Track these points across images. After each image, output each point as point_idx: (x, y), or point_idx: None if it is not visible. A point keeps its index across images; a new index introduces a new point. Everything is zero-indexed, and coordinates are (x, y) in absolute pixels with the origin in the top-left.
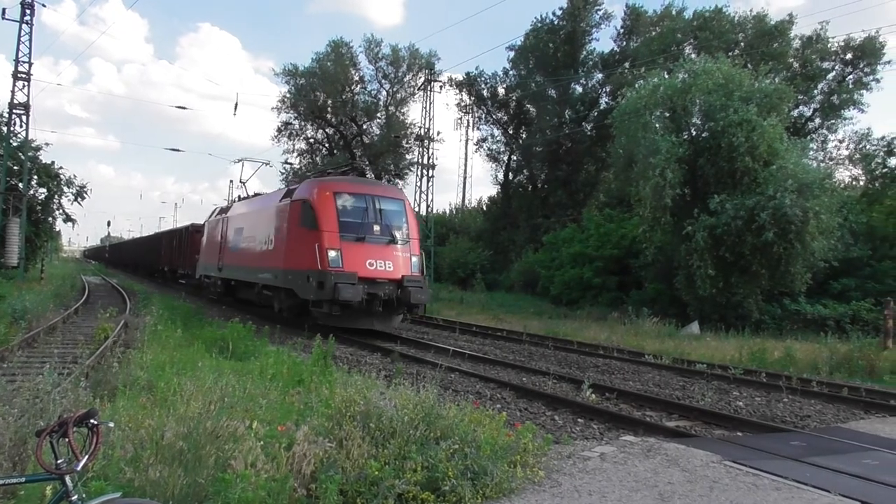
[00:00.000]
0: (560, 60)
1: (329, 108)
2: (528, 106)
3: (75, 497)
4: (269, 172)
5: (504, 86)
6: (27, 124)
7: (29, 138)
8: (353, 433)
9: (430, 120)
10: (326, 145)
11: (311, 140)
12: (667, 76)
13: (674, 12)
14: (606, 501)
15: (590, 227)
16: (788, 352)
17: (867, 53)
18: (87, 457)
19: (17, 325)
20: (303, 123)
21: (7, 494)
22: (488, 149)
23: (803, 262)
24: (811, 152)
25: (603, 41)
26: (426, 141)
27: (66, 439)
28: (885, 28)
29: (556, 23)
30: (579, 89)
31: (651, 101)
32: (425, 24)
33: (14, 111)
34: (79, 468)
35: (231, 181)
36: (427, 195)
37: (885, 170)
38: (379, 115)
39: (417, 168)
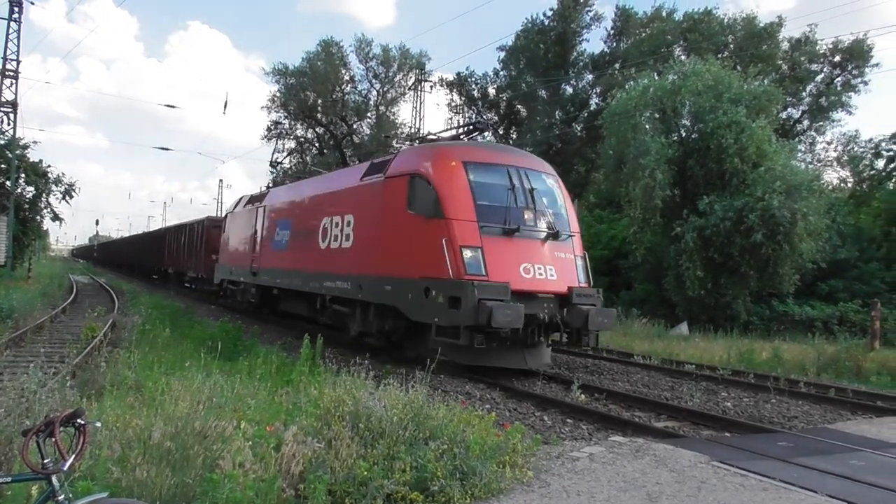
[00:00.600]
0: (550, 61)
1: (319, 108)
2: (519, 106)
3: (62, 497)
4: (260, 171)
5: (495, 86)
6: (15, 122)
7: (17, 136)
8: (341, 433)
9: (420, 120)
10: (316, 145)
11: (302, 139)
12: (657, 78)
13: (664, 14)
14: (595, 502)
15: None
16: (776, 353)
17: (855, 56)
18: (73, 456)
19: (3, 324)
20: (293, 123)
21: None
22: None
23: (791, 264)
24: (799, 154)
25: (593, 42)
26: (417, 141)
27: (53, 439)
28: (873, 31)
29: (546, 23)
30: (570, 90)
31: (641, 102)
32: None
33: (1, 109)
34: (65, 468)
35: (221, 180)
36: None
37: (872, 172)
38: (369, 114)
39: None
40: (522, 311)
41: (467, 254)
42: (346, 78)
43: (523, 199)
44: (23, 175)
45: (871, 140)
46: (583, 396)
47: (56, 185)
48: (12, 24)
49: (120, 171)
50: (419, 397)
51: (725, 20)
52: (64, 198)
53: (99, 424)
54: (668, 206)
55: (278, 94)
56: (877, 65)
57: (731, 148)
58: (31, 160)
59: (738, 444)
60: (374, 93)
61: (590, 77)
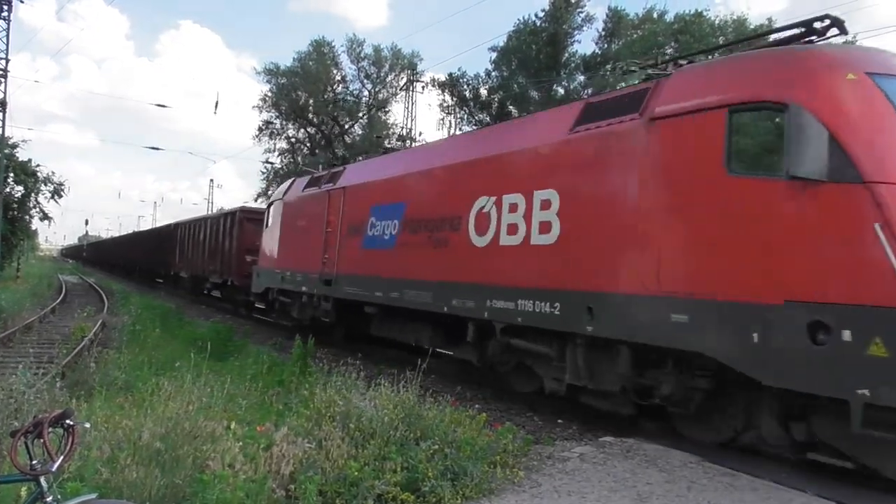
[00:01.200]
0: (542, 62)
1: (311, 108)
2: (511, 107)
3: (50, 498)
4: (251, 171)
5: (486, 87)
6: (3, 121)
7: (5, 135)
8: (332, 434)
9: (412, 120)
10: (308, 144)
11: (293, 139)
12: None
13: (655, 15)
14: (586, 502)
15: None
16: None
17: None
18: (62, 457)
19: None
20: (284, 123)
21: None
22: None
23: None
24: None
25: (585, 43)
26: (408, 141)
27: (42, 440)
28: (861, 33)
29: (538, 24)
30: (561, 91)
31: None
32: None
33: None
34: (54, 469)
35: (211, 180)
36: None
37: None
38: (361, 114)
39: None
40: None
41: None
42: (338, 78)
43: None
44: (11, 174)
45: None
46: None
47: (45, 185)
48: (1, 22)
49: (110, 170)
50: (410, 397)
51: (716, 22)
52: (53, 197)
53: (88, 425)
54: None
55: (269, 94)
56: None
57: None
58: (21, 159)
59: (727, 445)
60: (366, 93)
61: (581, 78)
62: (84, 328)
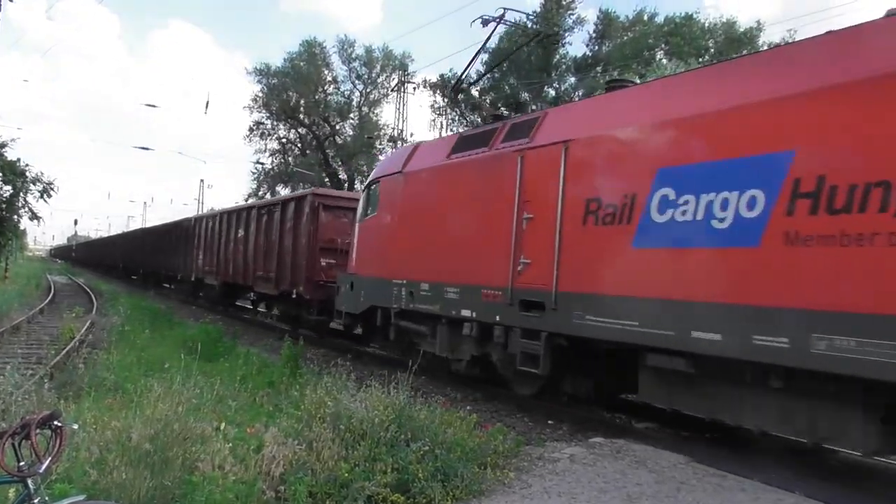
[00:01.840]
0: (533, 64)
1: (302, 108)
2: (503, 109)
3: (38, 500)
4: (242, 171)
5: (478, 88)
6: None
7: None
8: (323, 435)
9: (403, 121)
10: (299, 145)
11: (284, 140)
12: (638, 81)
13: (645, 18)
14: (576, 502)
15: None
16: None
17: None
18: (50, 459)
19: None
20: (275, 123)
21: None
22: None
23: None
24: None
25: (576, 45)
26: (399, 142)
27: (29, 441)
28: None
29: (529, 26)
30: (552, 93)
31: None
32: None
33: None
34: (41, 470)
35: (202, 180)
36: None
37: None
38: (352, 115)
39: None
40: None
41: None
42: (329, 79)
43: None
44: (0, 174)
45: None
46: (564, 398)
47: (34, 185)
48: None
49: (99, 170)
50: (401, 399)
51: (706, 24)
52: (42, 197)
53: (76, 426)
54: None
55: (260, 95)
56: None
57: None
58: (9, 159)
59: (716, 445)
60: (357, 94)
61: (573, 80)
62: (73, 329)
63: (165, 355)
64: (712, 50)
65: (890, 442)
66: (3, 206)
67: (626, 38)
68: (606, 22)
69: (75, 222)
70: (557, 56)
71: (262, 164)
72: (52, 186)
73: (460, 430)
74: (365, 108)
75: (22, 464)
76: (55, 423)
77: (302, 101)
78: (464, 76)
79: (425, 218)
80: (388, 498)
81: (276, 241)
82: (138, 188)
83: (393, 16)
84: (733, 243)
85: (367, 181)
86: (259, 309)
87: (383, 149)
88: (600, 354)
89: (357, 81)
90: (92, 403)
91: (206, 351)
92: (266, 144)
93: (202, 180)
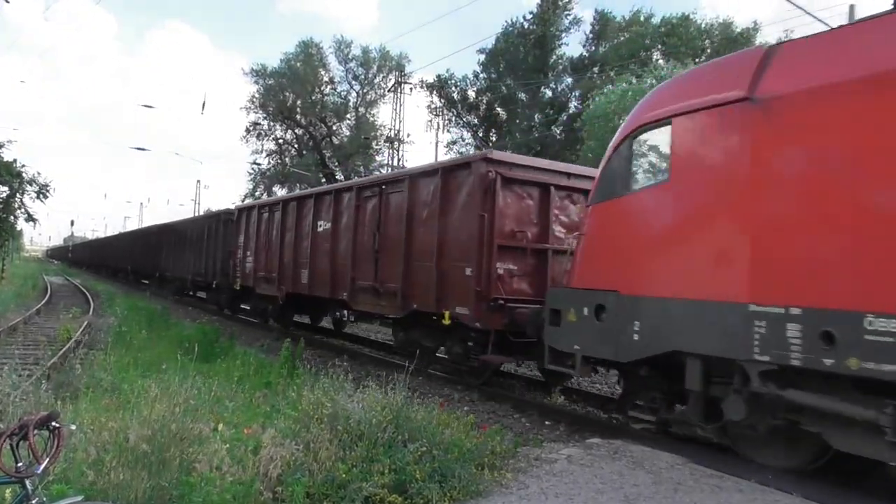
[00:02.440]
0: (530, 64)
1: (298, 109)
2: (499, 109)
3: (35, 501)
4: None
5: (474, 89)
6: None
7: None
8: (320, 436)
9: (400, 122)
10: (295, 146)
11: (280, 140)
12: (635, 81)
13: (642, 18)
14: (573, 503)
15: None
16: None
17: None
18: (48, 460)
19: None
20: (272, 124)
21: None
22: (458, 151)
23: None
24: None
25: (572, 46)
26: (396, 143)
27: (27, 442)
28: None
29: (526, 27)
30: (549, 93)
31: (620, 105)
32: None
33: None
34: (39, 471)
35: (198, 181)
36: None
37: None
38: (349, 116)
39: (387, 170)
40: None
41: None
42: (326, 79)
43: None
44: None
45: None
46: (562, 398)
47: (31, 185)
48: None
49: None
50: (398, 399)
51: (703, 25)
52: (38, 198)
53: (74, 427)
54: None
55: (257, 95)
56: None
57: None
58: (5, 160)
59: (714, 446)
60: (354, 94)
61: (569, 80)
62: (69, 329)
63: (162, 356)
64: (709, 51)
65: None
66: (0, 207)
67: (622, 38)
68: (603, 22)
69: (72, 223)
70: (554, 56)
71: (259, 164)
72: (48, 188)
73: (458, 431)
74: (361, 109)
75: (20, 464)
76: (53, 423)
77: (299, 102)
78: (460, 77)
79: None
80: (385, 499)
81: (399, 237)
82: (135, 189)
83: (390, 16)
84: None
85: (624, 132)
86: (354, 332)
87: (380, 149)
88: None
89: (354, 82)
90: (89, 404)
91: (203, 351)
92: (263, 145)
93: (199, 181)
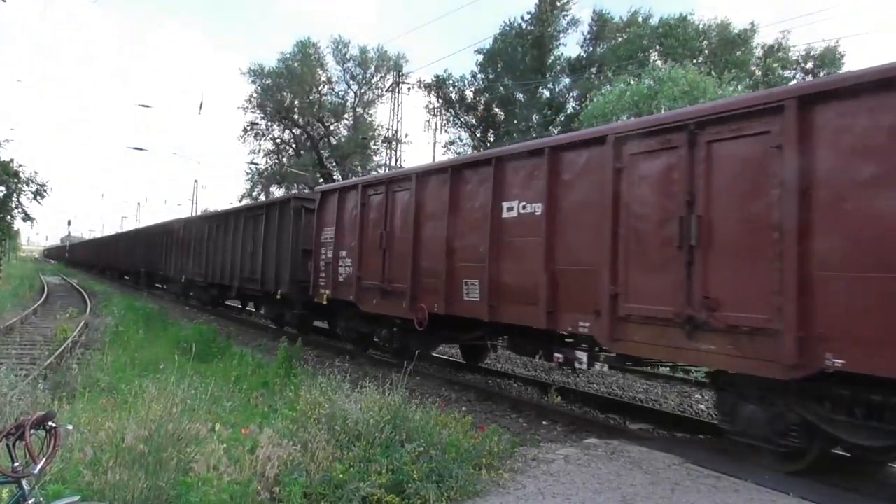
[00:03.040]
0: (528, 64)
1: (296, 109)
2: (497, 109)
3: (32, 501)
4: (236, 173)
5: (472, 89)
6: None
7: None
8: (317, 436)
9: (398, 122)
10: (293, 146)
11: (278, 140)
12: (633, 82)
13: (640, 19)
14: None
15: None
16: None
17: (827, 62)
18: (44, 460)
19: None
20: (269, 124)
21: None
22: (457, 152)
23: None
24: None
25: (570, 46)
26: (394, 143)
27: (24, 442)
28: (844, 38)
29: (524, 27)
30: (547, 94)
31: (618, 106)
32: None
33: None
34: (36, 471)
35: (196, 181)
36: None
37: None
38: (346, 116)
39: (385, 170)
40: None
41: None
42: (323, 79)
43: None
44: None
45: None
46: (559, 398)
47: (27, 185)
48: None
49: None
50: (396, 399)
51: (700, 26)
52: (35, 197)
53: (71, 427)
54: None
55: (255, 95)
56: (848, 71)
57: None
58: (2, 159)
59: (711, 446)
60: (352, 94)
61: (567, 81)
62: (66, 329)
63: (159, 356)
64: (706, 51)
65: None
66: None
67: (620, 39)
68: (601, 23)
69: (69, 223)
70: (552, 57)
71: (257, 164)
72: (45, 187)
73: (455, 431)
74: (359, 109)
75: (16, 464)
76: (50, 423)
77: (296, 102)
78: (458, 78)
79: None
80: (382, 499)
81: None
82: (132, 189)
83: (388, 16)
84: None
85: None
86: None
87: (378, 149)
88: None
89: (351, 82)
90: (86, 404)
91: (200, 351)
92: (260, 145)
93: (196, 181)
